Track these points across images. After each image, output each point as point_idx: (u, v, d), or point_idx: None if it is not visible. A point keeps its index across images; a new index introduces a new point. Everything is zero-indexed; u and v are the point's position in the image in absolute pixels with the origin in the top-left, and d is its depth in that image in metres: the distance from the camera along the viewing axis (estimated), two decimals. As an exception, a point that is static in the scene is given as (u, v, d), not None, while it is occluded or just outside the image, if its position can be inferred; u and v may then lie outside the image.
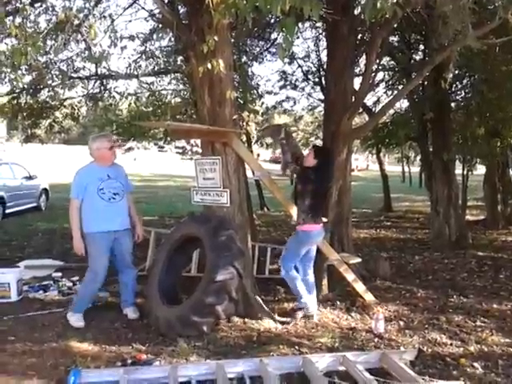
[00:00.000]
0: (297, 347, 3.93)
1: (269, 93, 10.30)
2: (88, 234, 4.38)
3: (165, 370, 3.32)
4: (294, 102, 11.40)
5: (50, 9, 6.01)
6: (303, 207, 4.48)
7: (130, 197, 4.73)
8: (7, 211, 11.29)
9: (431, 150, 9.06)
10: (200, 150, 5.61)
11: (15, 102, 7.83)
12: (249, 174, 5.63)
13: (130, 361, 3.51)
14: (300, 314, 4.58)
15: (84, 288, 4.58)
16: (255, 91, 9.15)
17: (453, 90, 9.61)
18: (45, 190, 13.60)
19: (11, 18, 5.34)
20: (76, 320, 4.36)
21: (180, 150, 12.00)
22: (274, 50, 9.12)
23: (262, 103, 9.93)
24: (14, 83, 6.44)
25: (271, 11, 2.82)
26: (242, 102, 7.55)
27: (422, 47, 9.13)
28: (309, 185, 4.47)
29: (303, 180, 4.55)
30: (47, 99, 8.07)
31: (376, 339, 4.13)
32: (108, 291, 5.25)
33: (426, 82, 8.61)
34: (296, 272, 4.66)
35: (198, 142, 7.24)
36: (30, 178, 12.72)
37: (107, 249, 4.43)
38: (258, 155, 22.45)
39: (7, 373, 3.39)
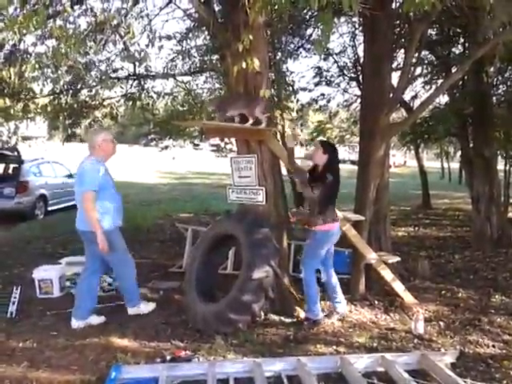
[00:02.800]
0: (334, 347, 3.91)
1: (303, 89, 10.21)
2: (111, 231, 4.30)
3: (203, 366, 3.35)
4: (328, 101, 11.23)
5: (89, 10, 6.13)
6: (322, 207, 4.28)
7: None
8: (49, 208, 11.65)
9: (472, 145, 8.80)
10: (234, 148, 5.61)
11: (56, 102, 8.04)
12: (284, 171, 5.62)
13: (168, 357, 3.56)
14: (307, 323, 4.38)
15: (128, 278, 4.57)
16: (290, 88, 9.10)
17: (494, 83, 9.30)
18: (85, 187, 13.93)
19: (52, 20, 5.48)
20: (145, 306, 4.61)
21: (214, 148, 12.07)
22: (309, 46, 9.06)
23: (297, 100, 9.86)
24: (55, 83, 6.60)
25: (309, 6, 2.80)
26: (276, 99, 7.52)
27: (461, 40, 8.88)
28: (325, 184, 4.24)
29: (319, 182, 4.26)
30: (87, 99, 8.26)
31: (415, 340, 4.06)
32: (146, 287, 5.36)
33: (466, 76, 8.36)
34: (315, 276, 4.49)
35: (232, 139, 7.27)
36: (70, 176, 13.04)
37: None
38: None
39: (50, 367, 3.49)
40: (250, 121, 4.35)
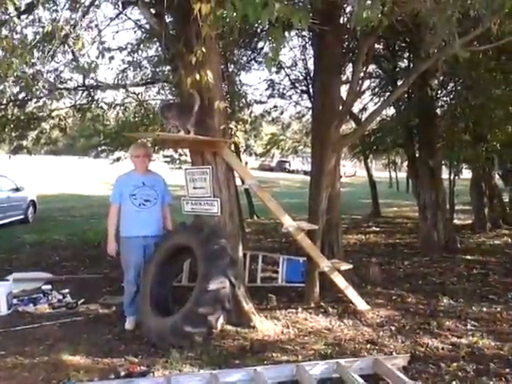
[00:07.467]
0: (290, 355, 3.93)
1: (257, 102, 10.31)
2: (121, 238, 4.63)
3: (159, 381, 3.30)
4: (281, 113, 11.40)
5: (37, 20, 5.98)
6: None
7: (166, 208, 4.84)
8: (-6, 224, 11.20)
9: (418, 155, 9.14)
10: (188, 159, 5.58)
11: (2, 114, 7.77)
12: (238, 182, 5.64)
13: (123, 373, 3.49)
14: None
15: (125, 291, 4.71)
16: (243, 100, 9.18)
17: (438, 96, 9.73)
18: (32, 201, 13.48)
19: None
20: (127, 322, 4.62)
21: (168, 159, 11.96)
22: (261, 59, 9.18)
23: (251, 112, 9.95)
24: (1, 95, 6.41)
25: (259, 21, 2.85)
26: (230, 111, 7.56)
27: (406, 55, 9.25)
28: None
29: None
30: (34, 110, 8.02)
31: (368, 345, 4.15)
32: (98, 303, 5.24)
33: (411, 89, 8.71)
34: None
35: (186, 150, 7.25)
36: (17, 189, 12.60)
37: (138, 253, 4.59)
38: (246, 163, 22.47)
39: (-1, 388, 3.36)
40: (181, 133, 4.40)
